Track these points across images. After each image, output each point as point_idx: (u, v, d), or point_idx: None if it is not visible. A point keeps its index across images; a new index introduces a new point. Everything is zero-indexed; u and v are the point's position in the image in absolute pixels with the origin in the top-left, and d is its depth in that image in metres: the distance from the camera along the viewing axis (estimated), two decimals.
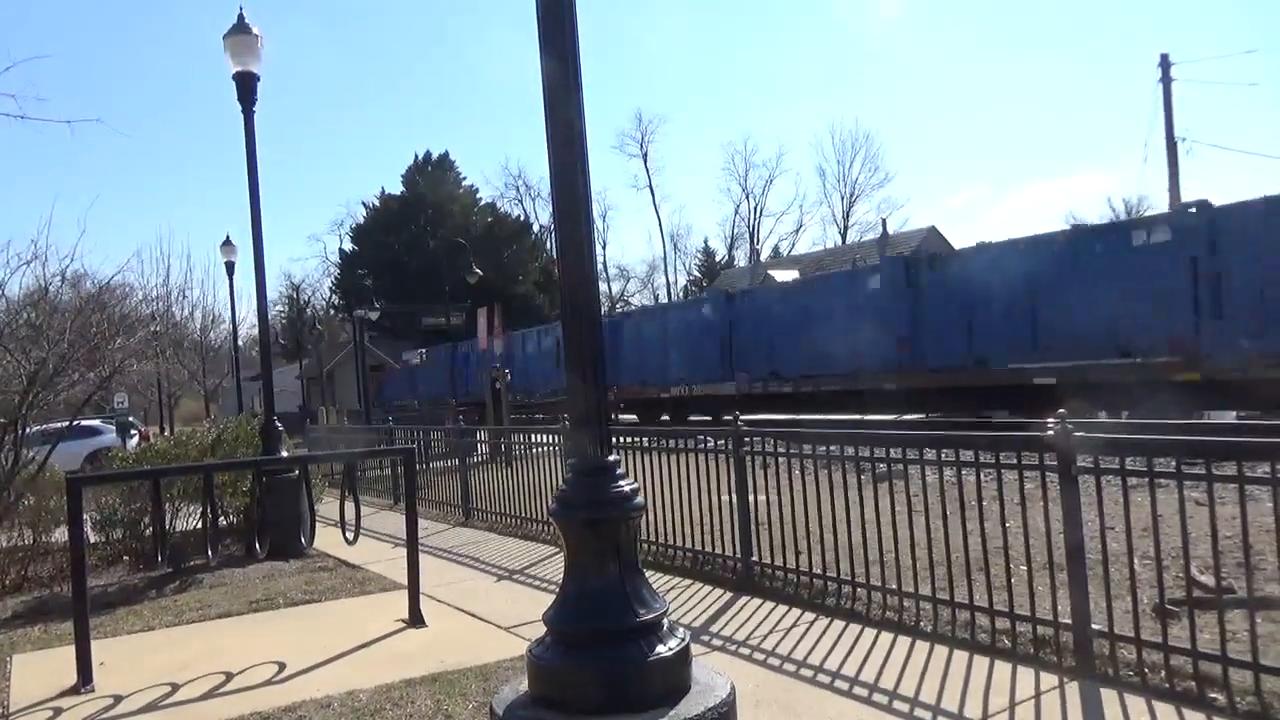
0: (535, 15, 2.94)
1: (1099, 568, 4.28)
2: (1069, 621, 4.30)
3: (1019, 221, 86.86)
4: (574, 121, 2.89)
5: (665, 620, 2.84)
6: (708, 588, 6.28)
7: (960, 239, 52.37)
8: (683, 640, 2.79)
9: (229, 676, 4.92)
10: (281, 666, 5.05)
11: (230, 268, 24.18)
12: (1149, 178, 76.23)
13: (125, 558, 8.57)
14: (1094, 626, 4.23)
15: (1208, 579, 4.76)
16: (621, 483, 2.80)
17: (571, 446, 2.95)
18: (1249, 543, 3.86)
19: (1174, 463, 4.10)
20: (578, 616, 2.71)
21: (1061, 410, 4.42)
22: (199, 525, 7.60)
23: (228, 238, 24.02)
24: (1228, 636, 3.86)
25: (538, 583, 6.83)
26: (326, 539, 8.38)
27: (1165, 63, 26.31)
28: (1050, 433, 4.33)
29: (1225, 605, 4.03)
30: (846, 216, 65.47)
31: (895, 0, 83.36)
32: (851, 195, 65.46)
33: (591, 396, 2.74)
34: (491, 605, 6.20)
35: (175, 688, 4.79)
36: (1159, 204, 38.08)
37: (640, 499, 2.83)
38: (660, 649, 2.68)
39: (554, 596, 3.02)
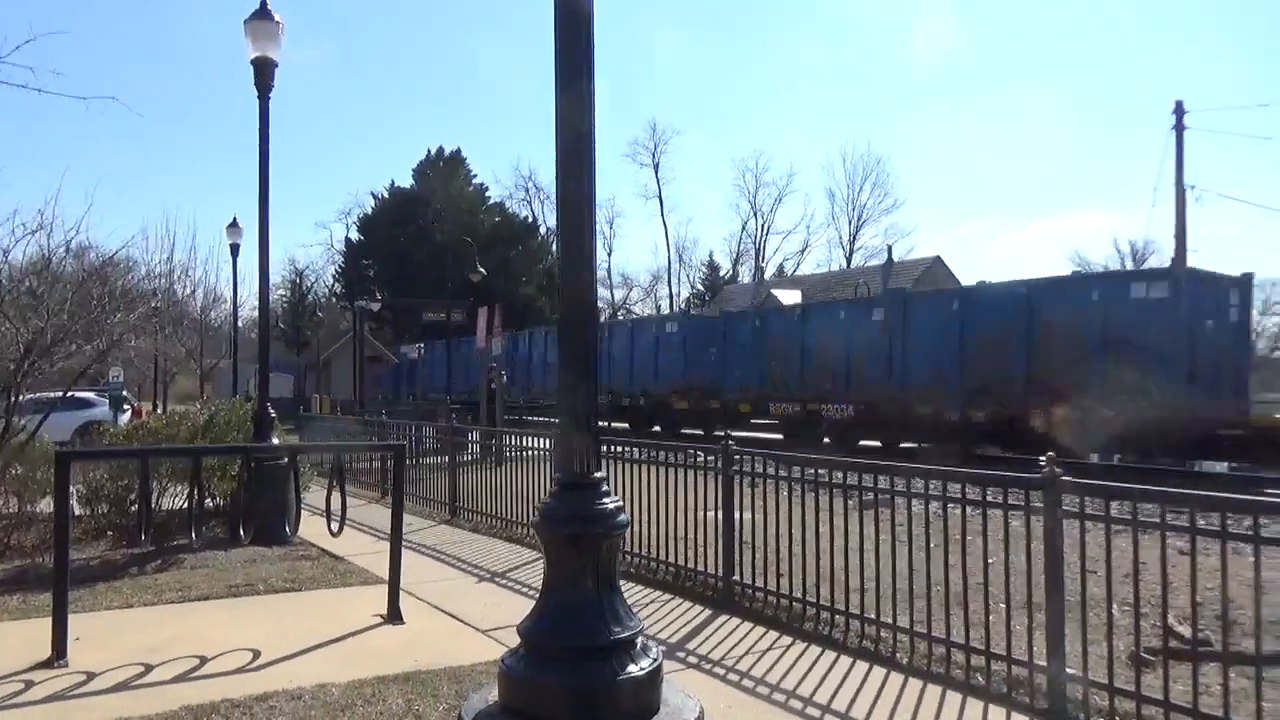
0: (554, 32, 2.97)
1: (1078, 610, 4.29)
2: (1044, 664, 4.31)
3: (1025, 256, 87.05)
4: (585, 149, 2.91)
5: (639, 639, 2.84)
6: (688, 604, 6.28)
7: (965, 270, 52.60)
8: (655, 660, 2.80)
9: (203, 660, 4.92)
10: (256, 654, 5.05)
11: (235, 249, 24.16)
12: (1156, 222, 76.12)
13: (109, 533, 8.56)
14: (1069, 670, 4.24)
15: (1185, 630, 4.77)
16: (606, 500, 2.81)
17: (558, 460, 2.96)
18: (1228, 596, 3.87)
19: (1159, 512, 4.12)
20: (552, 630, 2.72)
21: (1050, 453, 4.44)
22: (185, 505, 7.59)
23: (234, 220, 23.99)
24: (1201, 690, 3.87)
25: (519, 587, 6.82)
26: (312, 529, 8.36)
27: (1180, 110, 26.42)
28: (1038, 474, 4.34)
29: (1200, 658, 4.04)
30: (853, 240, 65.67)
31: (916, 31, 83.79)
32: (859, 219, 65.67)
33: (581, 413, 2.75)
34: (471, 606, 6.19)
35: (149, 668, 4.78)
36: (1165, 248, 38.14)
37: (624, 517, 2.84)
38: (632, 668, 2.69)
39: (534, 603, 3.02)
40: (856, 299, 26.25)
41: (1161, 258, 43.81)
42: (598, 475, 2.85)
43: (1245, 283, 16.53)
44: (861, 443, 19.45)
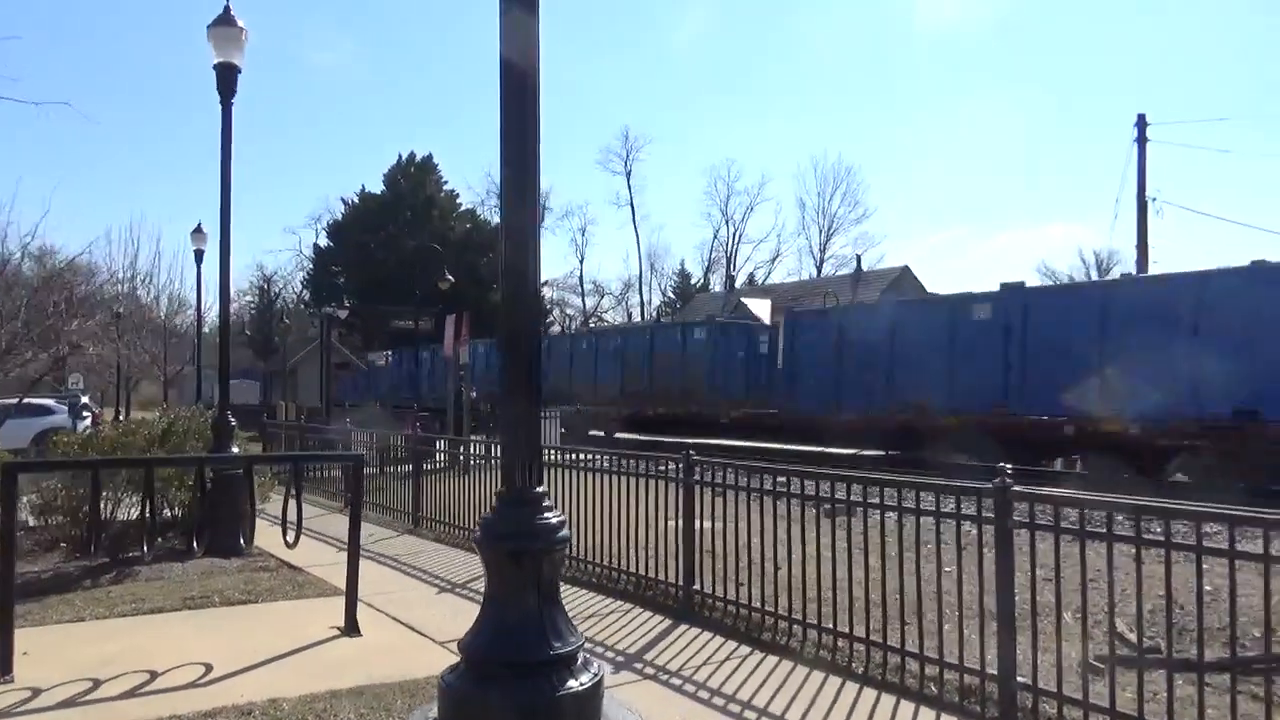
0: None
1: (1030, 619, 4.34)
2: (995, 672, 4.36)
3: (993, 267, 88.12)
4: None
5: (580, 654, 2.84)
6: (648, 613, 6.28)
7: (934, 280, 53.12)
8: (596, 675, 2.80)
9: (153, 675, 4.84)
10: (208, 668, 4.97)
11: (199, 255, 23.84)
12: (1120, 233, 77.78)
13: (63, 544, 8.40)
14: (1019, 679, 4.29)
15: (1134, 637, 4.84)
16: (548, 514, 2.80)
17: (501, 475, 2.96)
18: (1173, 604, 3.94)
19: (1106, 522, 4.18)
20: (492, 646, 2.71)
21: (1003, 464, 4.49)
22: (141, 516, 7.48)
23: (199, 225, 23.69)
24: (1148, 696, 3.93)
25: (480, 598, 6.77)
26: (273, 539, 8.26)
27: (1142, 123, 26.83)
28: (989, 485, 4.40)
29: (1146, 665, 4.10)
30: (823, 249, 65.99)
31: (888, 41, 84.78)
32: (830, 228, 66.00)
33: (523, 427, 2.74)
34: (430, 618, 6.15)
35: (97, 684, 4.70)
36: (1128, 260, 38.83)
37: (565, 532, 2.83)
38: (572, 683, 2.68)
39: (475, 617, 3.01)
40: None
41: (1125, 268, 44.53)
42: (539, 490, 2.84)
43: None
44: None
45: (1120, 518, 4.23)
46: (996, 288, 17.16)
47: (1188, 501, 4.23)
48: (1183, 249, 44.59)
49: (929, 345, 17.39)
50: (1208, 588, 4.09)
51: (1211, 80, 75.38)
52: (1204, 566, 3.87)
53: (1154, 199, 26.33)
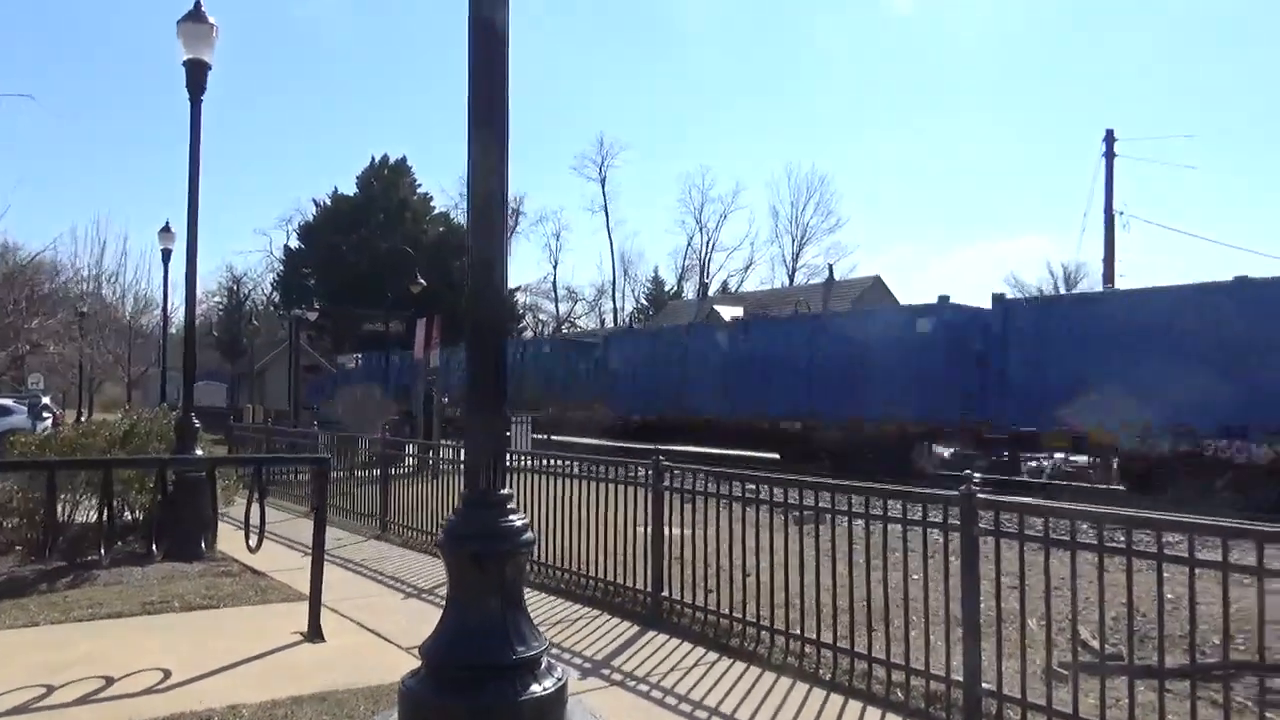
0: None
1: (996, 626, 4.37)
2: (960, 679, 4.38)
3: (962, 278, 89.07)
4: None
5: (544, 658, 2.81)
6: (616, 620, 6.25)
7: (904, 290, 53.61)
8: (559, 680, 2.76)
9: (109, 681, 4.74)
10: (167, 674, 4.88)
11: (166, 255, 23.50)
12: (1087, 247, 78.97)
13: (19, 548, 8.20)
14: (984, 685, 4.31)
15: (1097, 644, 4.88)
16: (512, 517, 2.77)
17: (465, 477, 2.92)
18: (1134, 611, 3.98)
19: (1070, 531, 4.22)
20: (453, 650, 2.67)
21: (968, 471, 4.52)
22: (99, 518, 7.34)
23: (167, 224, 23.35)
24: (1110, 703, 3.96)
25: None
26: (236, 544, 8.14)
27: (1110, 138, 27.25)
28: (955, 492, 4.42)
29: (1108, 672, 4.14)
30: (795, 258, 66.35)
31: (861, 51, 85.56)
32: (802, 238, 66.38)
33: (488, 428, 2.71)
34: (395, 623, 6.08)
35: (50, 690, 4.59)
36: (1095, 273, 39.40)
37: (529, 535, 2.80)
38: (535, 688, 2.65)
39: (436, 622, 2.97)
40: None
41: (1092, 281, 45.20)
42: (503, 492, 2.81)
43: None
44: None
45: (1084, 526, 4.27)
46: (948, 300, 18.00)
47: (1149, 511, 4.28)
48: (1149, 263, 45.42)
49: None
50: (1169, 596, 4.15)
51: (1178, 98, 76.84)
52: (1165, 575, 3.92)
53: (1121, 213, 26.76)
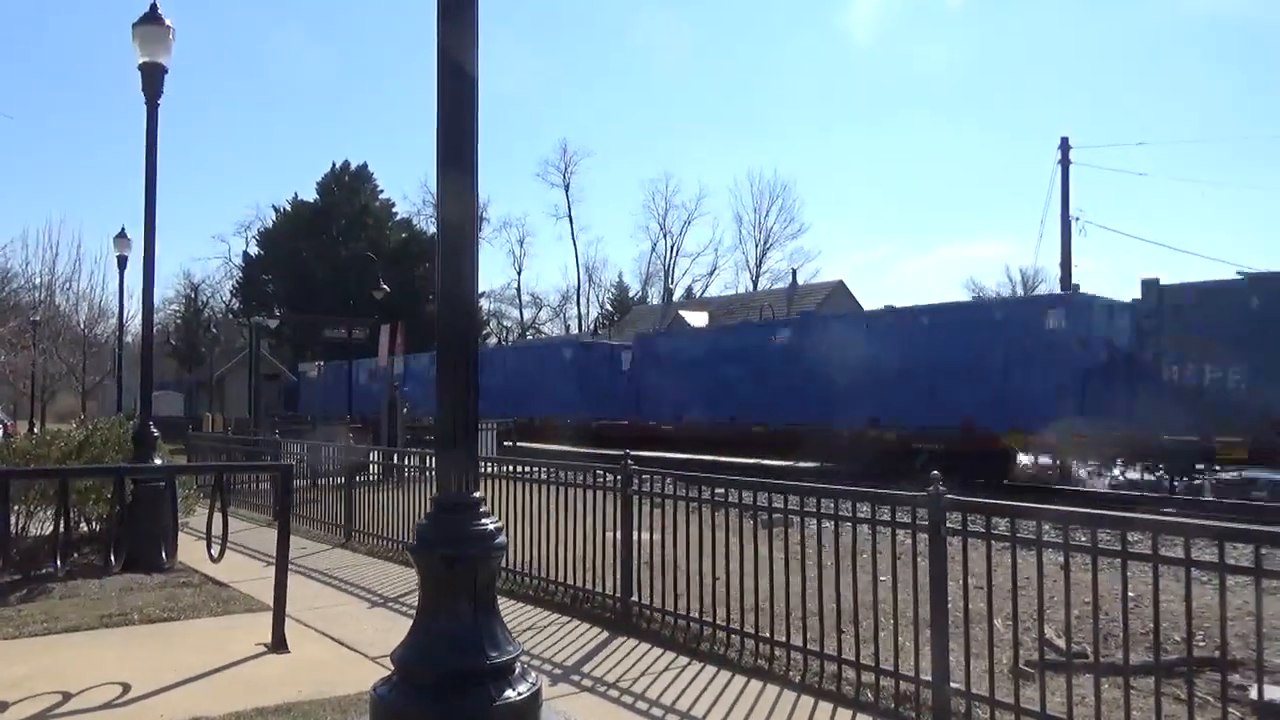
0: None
1: (963, 626, 4.41)
2: (929, 678, 4.41)
3: (924, 282, 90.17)
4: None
5: (518, 664, 2.78)
6: (586, 626, 6.22)
7: (867, 295, 54.14)
8: (533, 685, 2.74)
9: (66, 696, 4.61)
10: (126, 688, 4.76)
11: (122, 262, 23.09)
12: (1045, 251, 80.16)
13: None
14: (953, 685, 4.35)
15: (1063, 643, 4.95)
16: (484, 521, 2.74)
17: (437, 481, 2.89)
18: (1099, 609, 4.04)
19: (1036, 530, 4.27)
20: (426, 656, 2.63)
21: (935, 472, 4.56)
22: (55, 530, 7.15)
23: (123, 230, 22.96)
24: (1077, 700, 4.02)
25: (413, 611, 6.63)
26: (196, 554, 7.99)
27: (1065, 145, 27.75)
28: (924, 494, 4.46)
29: (1074, 670, 4.19)
30: (759, 264, 66.77)
31: (825, 59, 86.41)
32: (766, 243, 66.83)
33: (459, 431, 2.68)
34: (361, 632, 6.00)
35: (4, 706, 4.46)
36: (1052, 278, 40.05)
37: (502, 539, 2.78)
38: (509, 694, 2.62)
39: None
40: None
41: (1050, 285, 45.94)
42: (476, 496, 2.78)
43: None
44: None
45: (1049, 526, 4.32)
46: (926, 302, 18.21)
47: (1114, 510, 4.35)
48: (1104, 266, 46.46)
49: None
50: (1131, 594, 4.21)
51: (1131, 107, 78.53)
52: (1128, 574, 3.98)
53: (1077, 218, 27.25)
